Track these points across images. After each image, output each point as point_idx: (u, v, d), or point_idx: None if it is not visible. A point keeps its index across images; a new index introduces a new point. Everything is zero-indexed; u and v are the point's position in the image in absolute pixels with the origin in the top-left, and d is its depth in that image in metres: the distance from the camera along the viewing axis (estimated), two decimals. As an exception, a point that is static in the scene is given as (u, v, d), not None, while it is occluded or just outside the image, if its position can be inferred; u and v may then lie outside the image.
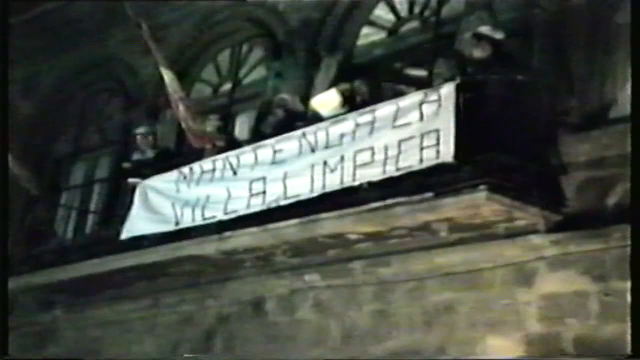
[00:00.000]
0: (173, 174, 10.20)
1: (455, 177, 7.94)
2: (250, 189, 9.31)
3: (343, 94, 9.48)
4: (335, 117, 9.13)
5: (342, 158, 8.67)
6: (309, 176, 8.86)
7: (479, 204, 7.89)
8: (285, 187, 9.04)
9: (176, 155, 11.18)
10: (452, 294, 8.47)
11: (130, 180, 10.63)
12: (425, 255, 8.62)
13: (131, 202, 10.41)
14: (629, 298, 7.03)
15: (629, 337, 6.97)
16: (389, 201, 8.22)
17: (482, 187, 7.76)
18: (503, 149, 7.94)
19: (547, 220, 8.08)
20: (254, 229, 9.17)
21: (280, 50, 11.31)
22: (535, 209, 8.03)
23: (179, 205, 9.92)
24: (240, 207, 9.34)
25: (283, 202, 9.00)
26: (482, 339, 8.18)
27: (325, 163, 8.78)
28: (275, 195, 9.08)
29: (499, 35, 8.56)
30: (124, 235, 10.30)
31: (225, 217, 9.44)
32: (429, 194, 8.01)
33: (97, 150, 13.36)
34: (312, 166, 8.88)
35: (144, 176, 10.50)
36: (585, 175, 8.11)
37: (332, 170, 8.72)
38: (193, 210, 9.76)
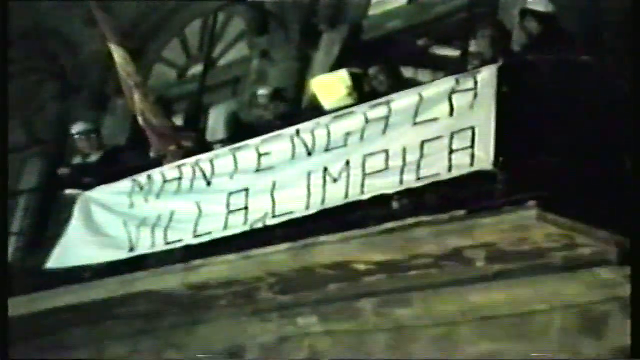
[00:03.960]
0: (125, 184, 10.26)
1: (495, 190, 7.97)
2: (228, 204, 9.37)
3: (354, 77, 9.50)
4: (338, 110, 9.18)
5: (348, 164, 8.72)
6: (304, 187, 8.95)
7: (527, 225, 7.88)
8: (273, 202, 9.12)
9: (129, 158, 11.20)
10: (493, 344, 8.48)
11: (68, 191, 10.66)
12: (457, 293, 8.64)
13: (67, 220, 10.45)
14: None
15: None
16: (409, 220, 8.26)
17: (530, 202, 7.76)
18: (558, 153, 7.95)
19: (620, 248, 8.07)
20: (231, 256, 9.21)
21: (267, 22, 11.36)
22: (603, 232, 8.00)
23: (133, 224, 9.97)
24: (215, 227, 9.38)
25: (270, 222, 9.05)
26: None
27: (325, 170, 8.85)
28: (260, 212, 9.14)
29: (549, 9, 8.62)
30: (52, 263, 10.35)
31: (195, 241, 9.48)
32: (461, 212, 8.04)
33: (23, 150, 13.40)
34: (309, 174, 8.95)
35: (86, 186, 10.53)
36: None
37: (334, 180, 8.78)
38: (152, 232, 9.81)
